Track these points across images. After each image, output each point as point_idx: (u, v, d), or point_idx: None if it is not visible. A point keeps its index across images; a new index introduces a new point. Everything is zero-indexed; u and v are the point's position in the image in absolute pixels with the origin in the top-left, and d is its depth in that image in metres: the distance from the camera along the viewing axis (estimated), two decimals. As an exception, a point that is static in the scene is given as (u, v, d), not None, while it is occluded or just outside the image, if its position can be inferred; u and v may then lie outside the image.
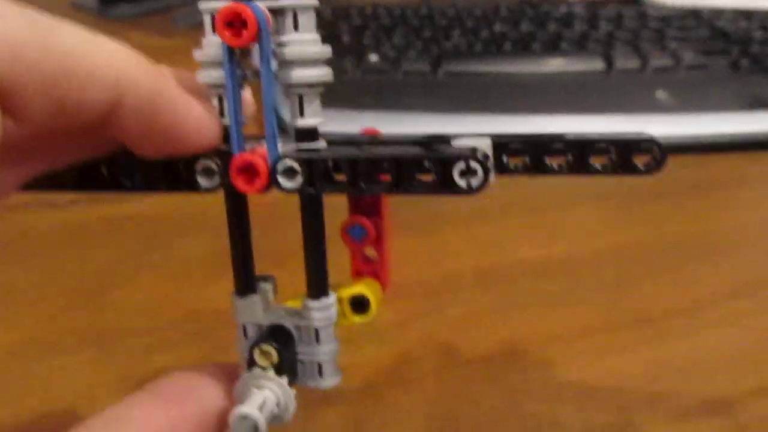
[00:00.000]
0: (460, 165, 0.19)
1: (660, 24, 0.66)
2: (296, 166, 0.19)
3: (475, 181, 0.19)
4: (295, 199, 0.20)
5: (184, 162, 0.20)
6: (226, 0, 0.18)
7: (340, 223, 0.25)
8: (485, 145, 0.20)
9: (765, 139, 0.53)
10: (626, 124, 0.53)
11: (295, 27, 0.19)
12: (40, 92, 0.16)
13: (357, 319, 0.24)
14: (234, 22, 0.18)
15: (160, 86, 0.18)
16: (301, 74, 0.19)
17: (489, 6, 0.70)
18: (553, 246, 0.41)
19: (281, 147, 0.20)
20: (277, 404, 0.20)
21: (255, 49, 0.19)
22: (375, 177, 0.19)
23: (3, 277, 0.37)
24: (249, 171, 0.19)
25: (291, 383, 0.21)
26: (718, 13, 0.68)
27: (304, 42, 0.19)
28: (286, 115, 0.20)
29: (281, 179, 0.19)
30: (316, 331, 0.21)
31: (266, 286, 0.22)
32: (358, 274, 0.26)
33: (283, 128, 0.20)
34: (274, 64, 0.19)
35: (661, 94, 0.56)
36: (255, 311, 0.22)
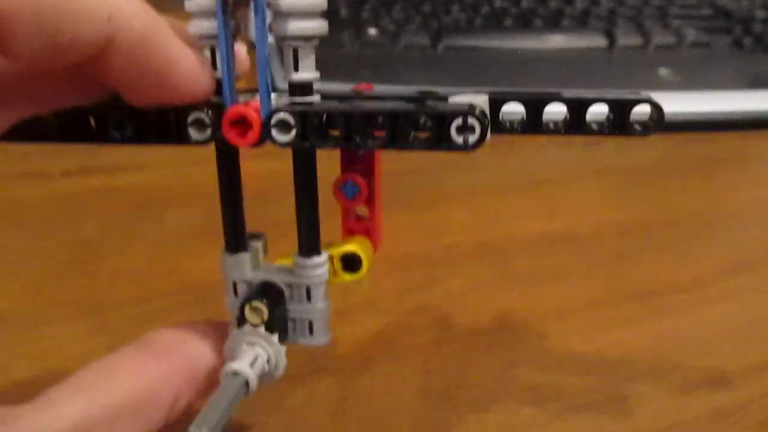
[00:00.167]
0: (458, 121, 0.18)
1: (662, 1, 0.65)
2: (290, 119, 0.19)
3: (472, 138, 0.18)
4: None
5: (175, 113, 0.19)
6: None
7: (333, 181, 0.25)
8: (482, 102, 0.20)
9: (766, 118, 0.52)
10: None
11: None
12: (31, 24, 0.15)
13: (348, 277, 0.24)
14: (227, -30, 0.18)
15: (153, 28, 0.17)
16: (297, 26, 0.19)
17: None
18: (554, 221, 0.40)
19: (275, 101, 0.19)
20: (268, 361, 0.20)
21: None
22: (370, 132, 0.19)
23: (-7, 247, 0.37)
24: (241, 124, 0.19)
25: (282, 341, 0.21)
26: (721, -9, 0.68)
27: (300, -8, 0.19)
28: (277, 74, 0.20)
29: (274, 132, 0.19)
30: (308, 289, 0.21)
31: (257, 244, 0.22)
32: (349, 233, 0.25)
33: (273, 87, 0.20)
34: (268, 16, 0.19)
35: (663, 72, 0.55)
36: (245, 268, 0.21)
